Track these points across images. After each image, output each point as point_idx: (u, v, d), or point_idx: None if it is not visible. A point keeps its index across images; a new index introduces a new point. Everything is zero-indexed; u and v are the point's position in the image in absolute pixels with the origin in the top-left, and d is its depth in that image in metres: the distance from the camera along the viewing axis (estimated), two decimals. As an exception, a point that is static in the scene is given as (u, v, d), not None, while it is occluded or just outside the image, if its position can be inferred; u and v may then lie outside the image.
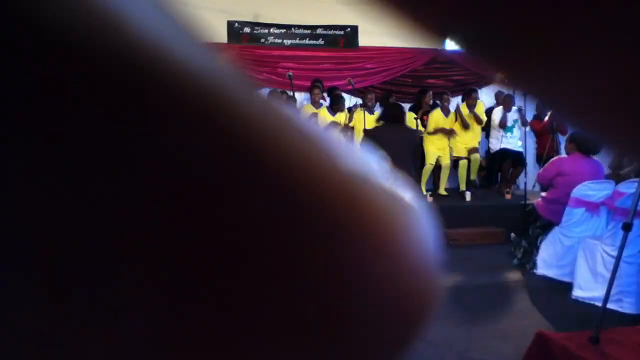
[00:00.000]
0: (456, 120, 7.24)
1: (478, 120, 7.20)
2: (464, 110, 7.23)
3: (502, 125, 7.21)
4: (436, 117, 7.08)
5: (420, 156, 6.76)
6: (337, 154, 0.16)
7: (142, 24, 0.13)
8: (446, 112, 7.19)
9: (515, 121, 7.26)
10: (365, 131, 5.38)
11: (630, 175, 6.96)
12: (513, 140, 7.35)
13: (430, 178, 7.43)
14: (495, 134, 7.39)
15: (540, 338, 2.75)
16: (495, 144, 7.41)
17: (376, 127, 5.13)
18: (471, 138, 7.31)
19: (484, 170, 7.70)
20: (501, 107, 7.36)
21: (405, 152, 4.53)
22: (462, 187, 7.25)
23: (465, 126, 7.12)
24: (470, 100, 7.20)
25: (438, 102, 7.50)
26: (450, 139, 7.19)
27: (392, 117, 4.79)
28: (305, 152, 0.15)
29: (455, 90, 8.25)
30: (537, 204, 5.03)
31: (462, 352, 3.23)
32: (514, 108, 7.20)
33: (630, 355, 2.48)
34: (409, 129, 5.25)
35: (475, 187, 7.33)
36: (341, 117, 6.95)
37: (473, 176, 7.40)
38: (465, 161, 7.24)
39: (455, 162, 7.38)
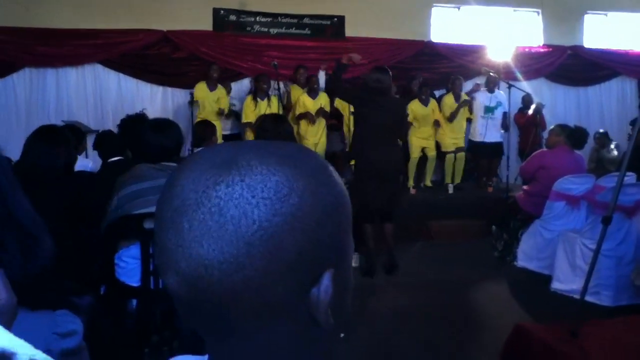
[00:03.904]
0: (441, 111, 7.23)
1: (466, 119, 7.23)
2: (449, 101, 7.19)
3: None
4: (414, 107, 7.03)
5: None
6: None
7: None
8: (424, 102, 7.12)
9: (498, 103, 7.07)
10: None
11: (615, 162, 6.97)
12: (494, 126, 7.13)
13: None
14: (477, 117, 7.19)
15: (519, 330, 2.77)
16: (476, 132, 7.22)
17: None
18: (458, 131, 7.28)
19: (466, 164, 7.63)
20: (484, 88, 7.23)
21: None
22: (448, 180, 7.27)
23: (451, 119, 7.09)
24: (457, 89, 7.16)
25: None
26: (438, 130, 7.19)
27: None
28: None
29: (442, 84, 8.23)
30: (519, 197, 5.07)
31: (439, 345, 3.26)
32: (498, 91, 7.09)
33: (608, 350, 2.52)
34: None
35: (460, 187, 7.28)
36: (321, 100, 6.80)
37: (457, 179, 7.31)
38: (452, 156, 7.23)
39: (443, 155, 7.37)
